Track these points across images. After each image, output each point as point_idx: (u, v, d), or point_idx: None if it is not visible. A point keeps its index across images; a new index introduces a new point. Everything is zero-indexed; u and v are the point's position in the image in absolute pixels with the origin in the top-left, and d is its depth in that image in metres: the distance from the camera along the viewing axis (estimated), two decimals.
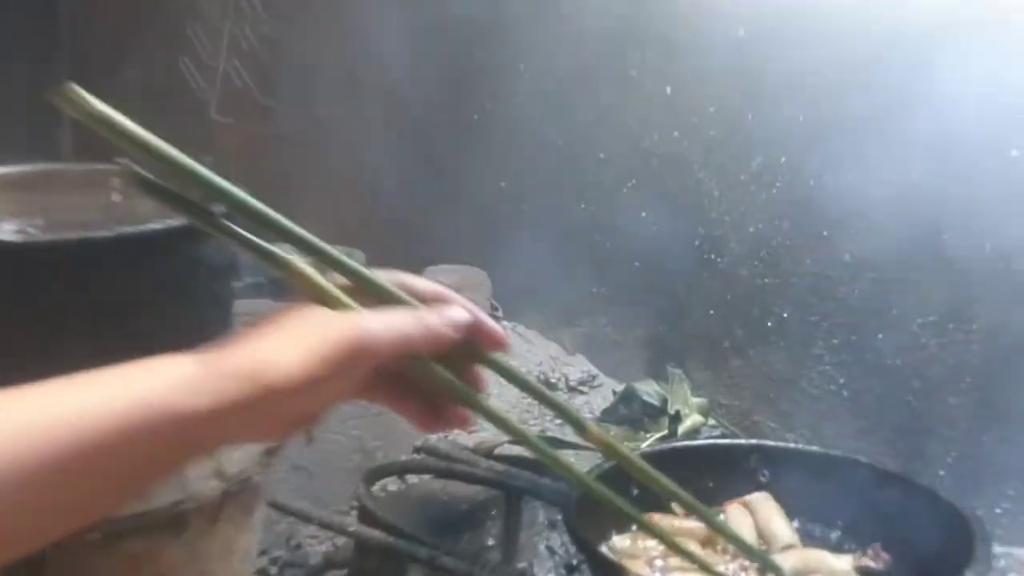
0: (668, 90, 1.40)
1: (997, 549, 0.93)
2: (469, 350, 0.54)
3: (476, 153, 1.65)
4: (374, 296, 0.52)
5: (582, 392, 1.54)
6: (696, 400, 1.39)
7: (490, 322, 0.54)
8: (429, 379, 0.53)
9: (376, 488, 1.22)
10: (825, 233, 1.28)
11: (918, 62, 1.15)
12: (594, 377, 1.57)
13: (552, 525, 1.19)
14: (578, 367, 1.60)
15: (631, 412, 1.39)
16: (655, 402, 1.39)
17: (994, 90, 1.10)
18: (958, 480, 1.17)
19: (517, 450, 1.28)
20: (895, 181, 1.21)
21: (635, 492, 0.95)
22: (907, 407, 1.22)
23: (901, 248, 1.21)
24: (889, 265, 1.22)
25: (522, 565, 1.12)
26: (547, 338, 1.67)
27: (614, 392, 1.49)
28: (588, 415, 1.48)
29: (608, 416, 1.41)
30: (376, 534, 0.96)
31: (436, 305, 0.52)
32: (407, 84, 1.74)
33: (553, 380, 1.55)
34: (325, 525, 1.00)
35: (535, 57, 1.57)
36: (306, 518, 1.01)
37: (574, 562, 1.14)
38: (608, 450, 0.59)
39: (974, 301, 1.15)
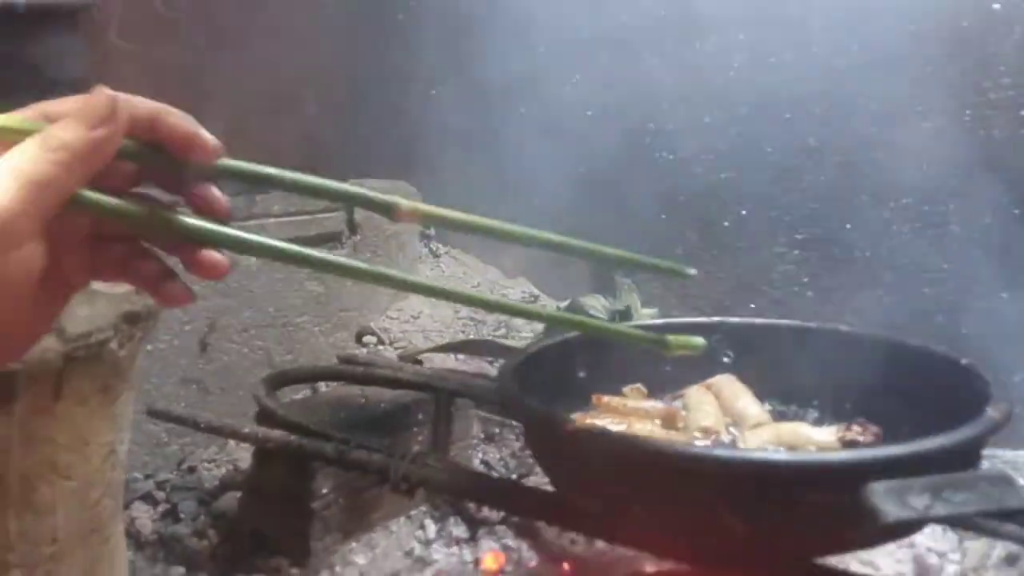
0: None
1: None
2: (175, 166, 0.41)
3: (402, 57, 1.49)
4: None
5: None
6: (647, 311, 1.26)
7: (174, 113, 0.41)
8: (112, 220, 0.40)
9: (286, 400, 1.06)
10: (787, 116, 1.16)
11: None
12: (536, 298, 1.44)
13: (489, 438, 1.04)
14: (519, 289, 1.46)
15: None
16: (602, 315, 1.26)
17: None
18: None
19: (451, 362, 1.14)
20: (861, 53, 1.10)
21: (581, 374, 0.83)
22: (879, 302, 1.11)
23: (869, 126, 1.10)
24: (857, 146, 1.11)
25: None
26: (485, 262, 1.53)
27: (558, 309, 1.36)
28: (529, 334, 1.34)
29: (551, 332, 1.27)
30: (275, 434, 0.80)
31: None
32: None
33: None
34: (213, 430, 0.84)
35: None
36: (191, 424, 0.85)
37: (513, 476, 0.99)
38: (426, 218, 0.46)
39: (951, 178, 1.04)
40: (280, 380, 0.94)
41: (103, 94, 0.39)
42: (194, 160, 0.41)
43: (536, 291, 1.46)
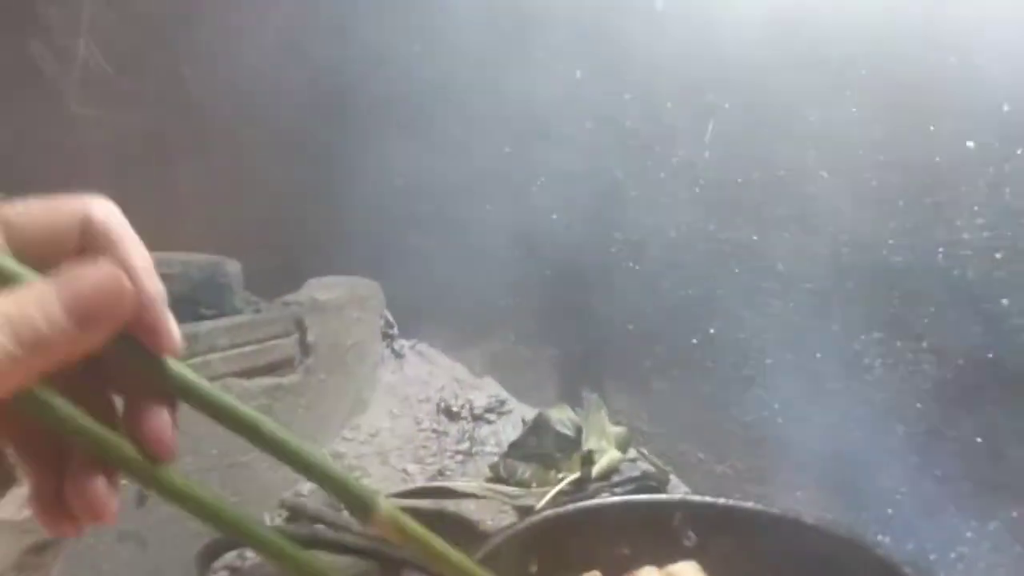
0: (578, 75, 1.22)
1: None
2: (129, 347, 0.33)
3: (367, 149, 1.45)
4: None
5: (489, 421, 1.35)
6: (615, 429, 1.22)
7: (157, 302, 0.32)
8: (49, 424, 0.31)
9: (231, 562, 1.01)
10: (755, 238, 1.12)
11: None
12: (503, 402, 1.39)
13: None
14: (485, 391, 1.41)
15: (542, 446, 1.21)
16: (569, 432, 1.21)
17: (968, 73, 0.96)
18: (908, 520, 1.03)
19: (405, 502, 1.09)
20: (831, 181, 1.06)
21: (533, 569, 0.79)
22: (850, 437, 1.07)
23: (838, 254, 1.06)
24: (826, 274, 1.07)
25: None
26: (451, 359, 1.48)
27: (523, 420, 1.31)
28: (495, 448, 1.30)
29: (516, 450, 1.22)
30: None
31: (66, 269, 0.29)
32: (289, 69, 1.52)
33: (456, 408, 1.36)
34: None
35: (432, 38, 1.38)
36: None
37: None
38: (403, 538, 0.38)
39: (923, 315, 1.00)
40: (217, 549, 0.89)
41: (111, 276, 0.29)
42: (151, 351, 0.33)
43: (504, 393, 1.41)
